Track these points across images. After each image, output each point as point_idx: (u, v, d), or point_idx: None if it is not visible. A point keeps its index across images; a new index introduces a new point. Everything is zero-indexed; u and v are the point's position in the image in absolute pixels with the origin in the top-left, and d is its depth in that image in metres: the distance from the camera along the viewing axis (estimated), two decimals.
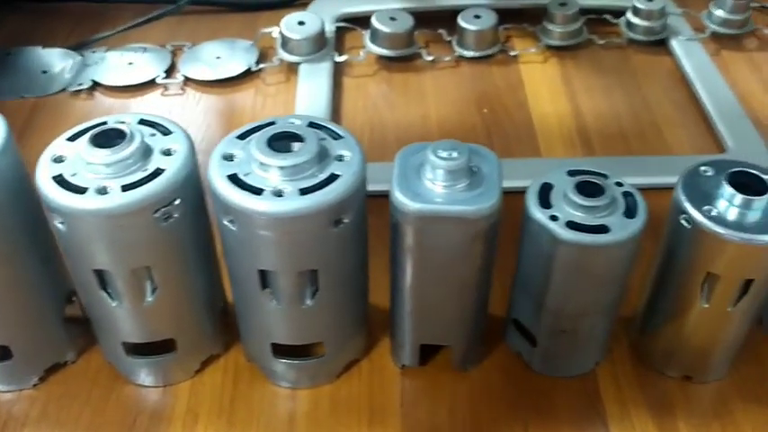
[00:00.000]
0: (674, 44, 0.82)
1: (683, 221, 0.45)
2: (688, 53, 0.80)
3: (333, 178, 0.42)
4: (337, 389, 0.51)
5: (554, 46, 0.83)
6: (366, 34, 0.81)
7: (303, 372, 0.50)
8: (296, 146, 0.43)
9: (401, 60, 0.81)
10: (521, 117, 0.74)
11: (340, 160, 0.44)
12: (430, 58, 0.81)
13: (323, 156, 0.43)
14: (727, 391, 0.51)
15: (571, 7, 0.81)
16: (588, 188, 0.45)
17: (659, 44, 0.84)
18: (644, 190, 0.47)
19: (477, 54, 0.81)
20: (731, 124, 0.71)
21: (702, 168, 0.47)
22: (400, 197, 0.43)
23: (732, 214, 0.44)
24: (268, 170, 0.42)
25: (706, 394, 0.51)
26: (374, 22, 0.80)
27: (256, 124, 0.46)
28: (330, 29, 0.83)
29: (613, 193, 0.45)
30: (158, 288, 0.46)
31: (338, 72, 0.80)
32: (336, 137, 0.45)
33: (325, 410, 0.50)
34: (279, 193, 0.41)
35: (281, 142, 0.44)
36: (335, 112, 0.75)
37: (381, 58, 0.81)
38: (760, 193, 0.44)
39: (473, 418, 0.50)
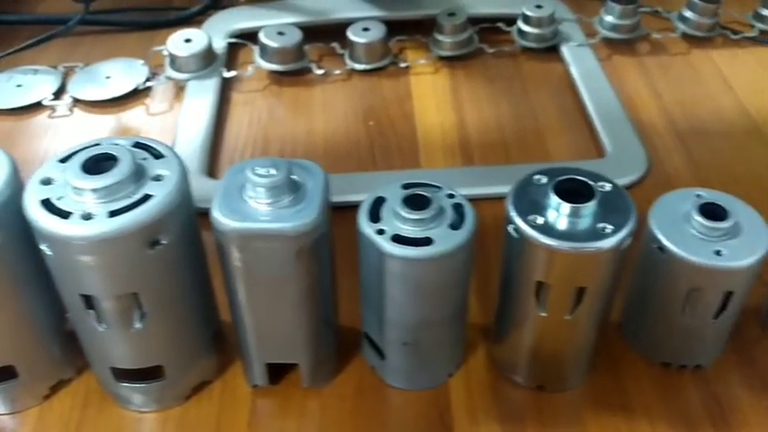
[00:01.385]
0: (565, 50, 0.82)
1: (512, 231, 0.45)
2: (577, 59, 0.81)
3: (145, 199, 0.42)
4: (186, 411, 0.51)
5: (445, 56, 0.82)
6: (257, 50, 0.81)
7: (148, 395, 0.49)
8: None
9: (292, 74, 0.81)
10: (405, 129, 0.74)
11: (158, 180, 0.43)
12: (320, 72, 0.80)
13: (139, 176, 0.43)
14: (581, 400, 0.51)
15: (460, 17, 0.81)
16: (416, 201, 0.45)
17: (552, 51, 0.84)
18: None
19: (367, 67, 0.81)
20: (612, 129, 0.71)
21: (536, 177, 0.47)
22: (218, 216, 0.42)
23: (562, 223, 0.44)
24: (82, 193, 0.42)
25: (558, 404, 0.51)
26: (262, 37, 0.79)
27: (80, 147, 0.45)
28: (221, 45, 0.83)
29: (441, 205, 0.45)
30: None
31: (227, 88, 0.80)
32: (159, 156, 0.45)
33: None
34: (88, 217, 0.41)
35: (106, 163, 0.43)
36: (219, 128, 0.74)
37: (273, 72, 0.81)
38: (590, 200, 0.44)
39: None
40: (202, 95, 0.76)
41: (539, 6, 0.82)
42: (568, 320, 0.47)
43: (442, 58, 0.83)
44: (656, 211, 0.49)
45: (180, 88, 0.79)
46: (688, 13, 0.85)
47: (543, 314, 0.47)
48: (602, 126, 0.71)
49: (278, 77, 0.81)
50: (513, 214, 0.45)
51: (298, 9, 0.86)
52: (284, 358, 0.49)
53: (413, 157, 0.71)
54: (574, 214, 0.44)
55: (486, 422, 0.50)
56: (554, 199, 0.44)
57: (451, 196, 0.47)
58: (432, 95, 0.79)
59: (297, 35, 0.79)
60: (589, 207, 0.44)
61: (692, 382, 0.52)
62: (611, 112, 0.73)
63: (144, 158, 0.44)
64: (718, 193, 0.50)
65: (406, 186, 0.47)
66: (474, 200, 0.59)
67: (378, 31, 0.80)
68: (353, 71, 0.82)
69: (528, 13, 0.82)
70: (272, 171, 0.42)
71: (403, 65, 0.82)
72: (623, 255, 0.45)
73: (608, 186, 0.46)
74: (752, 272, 0.47)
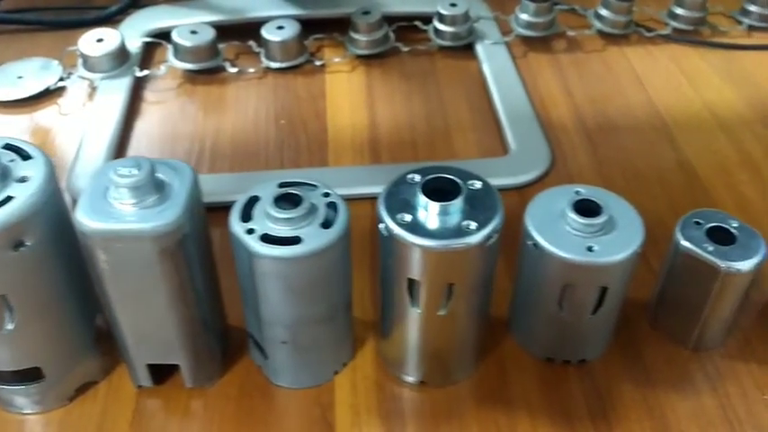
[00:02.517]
0: (479, 48, 0.83)
1: (383, 229, 0.45)
2: (491, 57, 0.81)
3: (7, 200, 0.41)
4: (69, 412, 0.50)
5: (362, 55, 0.83)
6: (171, 49, 0.81)
7: (29, 397, 0.49)
8: None
9: (206, 73, 0.81)
10: (316, 128, 0.74)
11: (23, 181, 0.43)
12: (234, 71, 0.80)
13: (3, 177, 0.42)
14: (464, 395, 0.52)
15: (374, 16, 0.81)
16: (288, 200, 0.45)
17: (468, 49, 0.84)
18: None
19: (282, 65, 0.81)
20: (518, 127, 0.72)
21: (409, 176, 0.47)
22: (80, 218, 0.42)
23: (431, 221, 0.44)
24: None
25: (441, 399, 0.51)
26: (174, 36, 0.79)
27: None
28: (137, 44, 0.82)
29: (313, 204, 0.45)
30: None
31: (140, 88, 0.79)
32: (27, 157, 0.44)
33: None
34: None
35: None
36: (128, 127, 0.74)
37: (187, 71, 0.81)
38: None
39: None
40: (114, 95, 0.76)
41: (453, 5, 0.82)
42: (443, 316, 0.47)
43: (358, 57, 0.83)
44: (534, 208, 0.50)
45: (93, 88, 0.79)
46: (603, 11, 0.86)
47: (418, 310, 0.47)
48: (508, 124, 0.72)
49: (192, 76, 0.81)
50: (383, 213, 0.45)
51: (215, 8, 0.86)
52: (163, 359, 0.49)
53: (321, 156, 0.71)
54: (440, 212, 0.44)
55: (367, 419, 0.50)
56: (422, 198, 0.44)
57: (327, 195, 0.47)
58: (346, 94, 0.79)
59: (210, 34, 0.79)
60: (455, 205, 0.44)
61: (575, 376, 0.53)
62: (519, 110, 0.74)
63: (12, 160, 0.44)
64: (598, 190, 0.51)
65: (282, 185, 0.47)
66: (375, 198, 0.60)
67: (292, 30, 0.80)
68: (269, 69, 0.81)
69: (443, 11, 0.82)
70: (134, 171, 0.42)
71: (318, 63, 0.82)
72: (492, 251, 0.45)
73: (478, 184, 0.46)
74: (624, 267, 0.48)
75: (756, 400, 0.51)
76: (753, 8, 0.87)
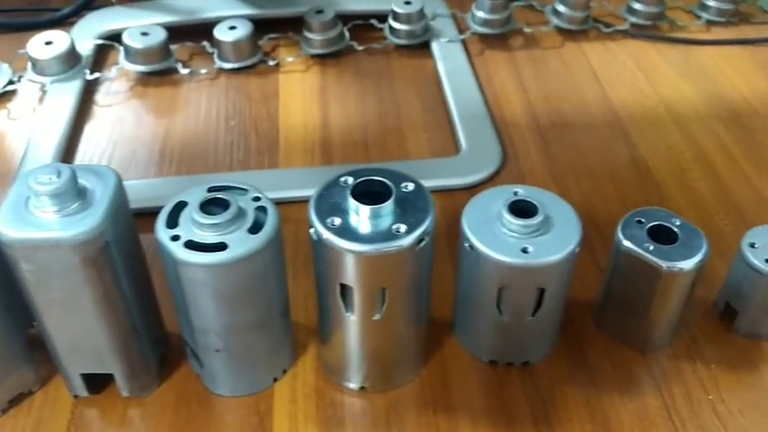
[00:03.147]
0: (435, 46, 0.82)
1: (313, 234, 0.44)
2: (446, 55, 0.81)
3: None
4: (1, 425, 0.50)
5: (317, 54, 0.82)
6: (122, 51, 0.80)
7: None
8: None
9: (159, 75, 0.80)
10: (267, 129, 0.73)
11: None
12: (186, 71, 0.79)
13: None
14: (404, 399, 0.51)
15: (327, 14, 0.80)
16: (215, 205, 0.44)
17: (425, 47, 0.84)
18: None
19: (235, 65, 0.80)
20: (470, 126, 0.71)
21: (342, 179, 0.46)
22: None
23: (362, 225, 0.44)
24: None
25: (380, 405, 0.51)
26: (125, 38, 0.78)
27: None
28: (89, 47, 0.81)
29: (241, 209, 0.44)
30: None
31: (91, 91, 0.78)
32: None
33: None
34: None
35: None
36: (77, 130, 0.73)
37: (139, 73, 0.80)
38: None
39: None
40: (63, 98, 0.75)
41: (407, 2, 0.81)
42: (379, 321, 0.46)
43: (313, 56, 0.82)
44: (471, 209, 0.49)
45: (44, 91, 0.78)
46: (561, 7, 0.85)
47: (353, 316, 0.46)
48: (460, 123, 0.71)
49: (144, 78, 0.80)
50: (313, 217, 0.44)
51: (169, 9, 0.85)
52: (96, 368, 0.49)
53: (272, 158, 0.70)
54: (371, 216, 0.44)
55: (305, 427, 0.49)
56: (352, 201, 0.44)
57: (257, 199, 0.46)
58: (299, 94, 0.78)
59: (161, 35, 0.78)
60: (385, 208, 0.43)
61: (518, 379, 0.52)
62: (472, 109, 0.73)
63: None
64: (536, 190, 0.50)
65: (210, 189, 0.46)
66: None
67: (244, 30, 0.79)
68: (222, 70, 0.81)
69: (397, 9, 0.81)
70: (54, 178, 0.41)
71: (272, 63, 0.81)
72: (424, 254, 0.45)
73: (411, 186, 0.46)
74: (561, 268, 0.47)
75: (701, 401, 0.51)
76: (711, 3, 0.87)
